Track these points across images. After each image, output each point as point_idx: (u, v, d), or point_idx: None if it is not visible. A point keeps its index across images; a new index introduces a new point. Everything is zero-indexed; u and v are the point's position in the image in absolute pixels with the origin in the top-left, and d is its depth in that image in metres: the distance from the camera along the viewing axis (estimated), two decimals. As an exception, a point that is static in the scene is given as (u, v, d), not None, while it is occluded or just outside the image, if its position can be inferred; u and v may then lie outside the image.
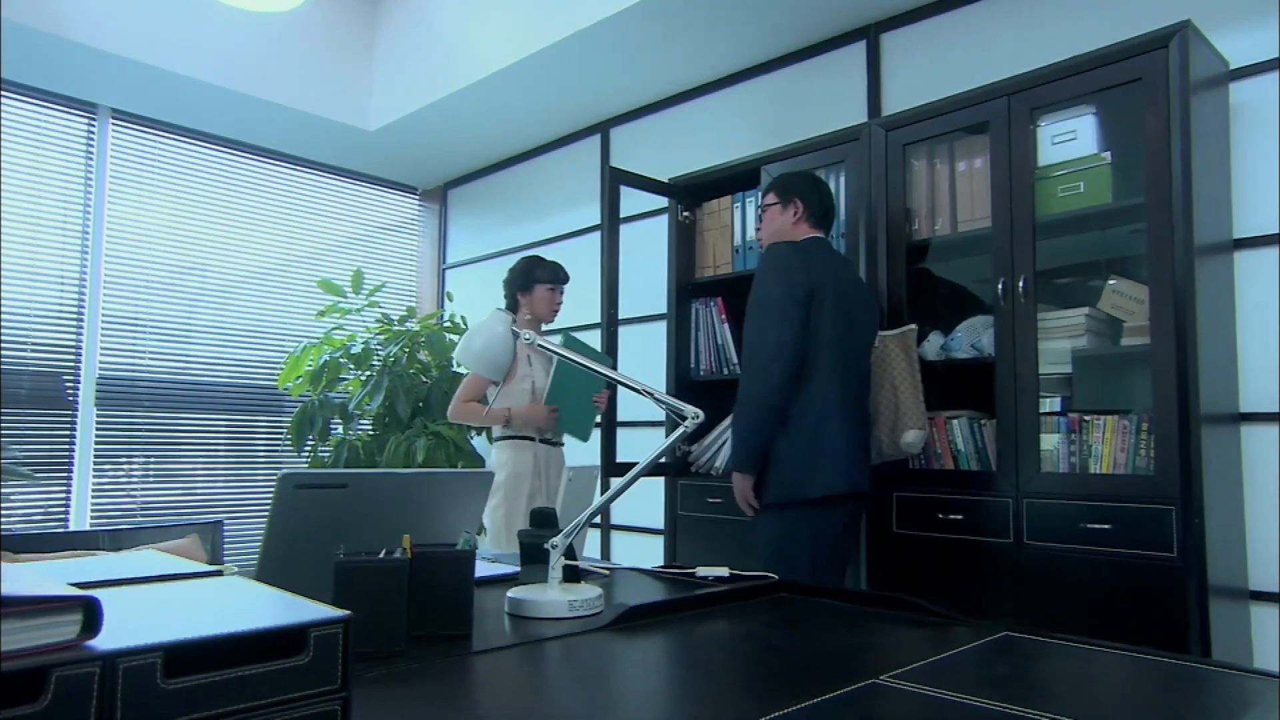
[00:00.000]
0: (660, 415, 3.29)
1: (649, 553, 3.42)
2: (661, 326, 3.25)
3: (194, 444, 4.07)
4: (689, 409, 1.28)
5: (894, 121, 2.55)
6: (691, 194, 3.13)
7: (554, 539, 1.28)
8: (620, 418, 3.02)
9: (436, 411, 3.72)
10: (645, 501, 3.21)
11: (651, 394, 1.33)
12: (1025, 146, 2.25)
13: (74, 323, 3.75)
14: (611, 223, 3.02)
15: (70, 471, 3.70)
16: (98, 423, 3.77)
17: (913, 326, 2.38)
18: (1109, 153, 2.17)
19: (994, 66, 2.59)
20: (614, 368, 3.00)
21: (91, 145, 3.84)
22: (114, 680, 0.55)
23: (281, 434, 4.22)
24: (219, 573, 0.88)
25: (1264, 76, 2.21)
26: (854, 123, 2.74)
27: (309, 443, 3.78)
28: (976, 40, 2.75)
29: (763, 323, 2.12)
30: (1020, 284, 2.21)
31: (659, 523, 3.12)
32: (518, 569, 1.49)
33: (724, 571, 1.49)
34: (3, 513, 3.47)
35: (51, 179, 3.73)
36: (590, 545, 3.80)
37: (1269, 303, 2.16)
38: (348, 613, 0.66)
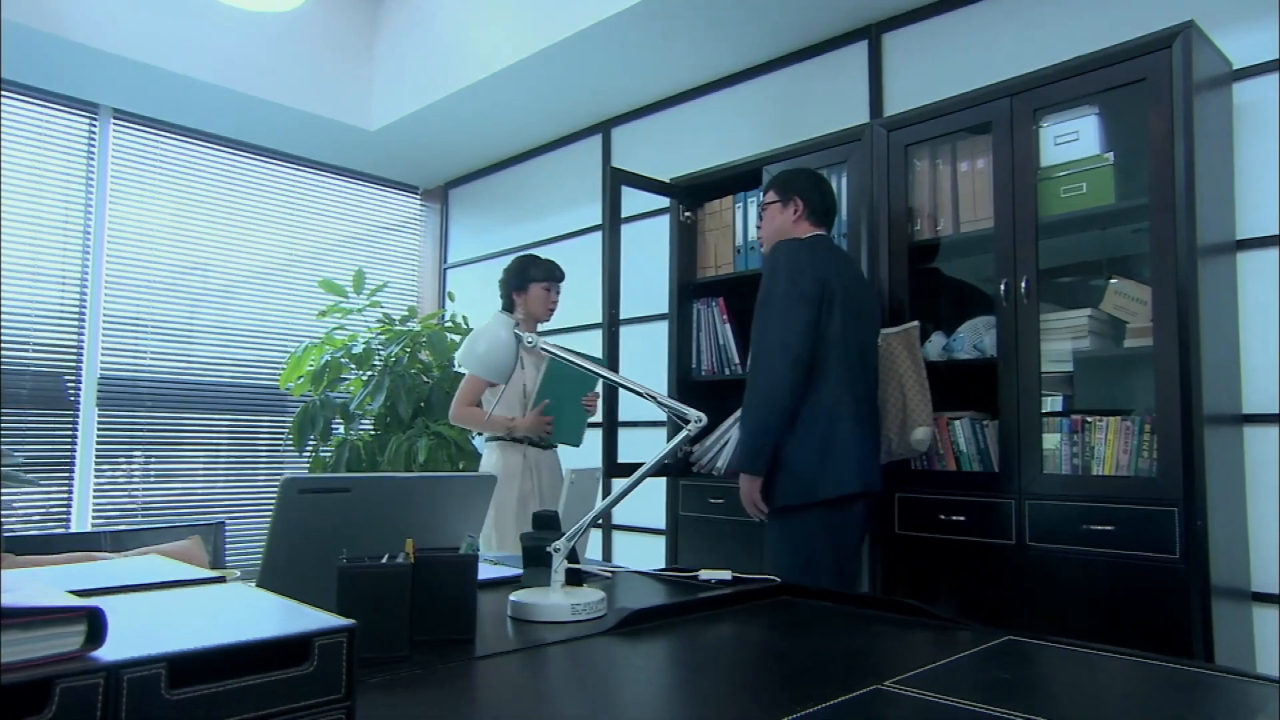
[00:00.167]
0: (662, 415, 3.29)
1: (650, 553, 3.42)
2: (663, 327, 3.25)
3: (195, 444, 4.07)
4: (692, 412, 1.28)
5: (896, 122, 2.55)
6: (693, 194, 3.12)
7: (556, 542, 1.28)
8: (622, 418, 3.02)
9: (438, 412, 3.72)
10: (647, 502, 3.21)
11: (655, 397, 1.33)
12: (1028, 147, 2.25)
13: (75, 323, 3.75)
14: (613, 223, 3.02)
15: (71, 472, 3.70)
16: (99, 423, 3.77)
17: (915, 324, 2.37)
18: (1112, 153, 2.17)
19: (996, 67, 2.59)
20: (616, 369, 3.00)
21: (93, 145, 3.84)
22: (119, 691, 0.55)
23: (283, 434, 4.22)
24: (222, 579, 0.88)
25: (1267, 77, 2.21)
26: (856, 123, 2.73)
27: (310, 443, 3.78)
28: (979, 40, 2.74)
29: (772, 321, 2.09)
30: (1023, 284, 2.21)
31: (660, 523, 3.12)
32: (519, 571, 1.49)
33: (726, 575, 1.49)
34: (5, 513, 3.47)
35: (53, 179, 3.73)
36: (592, 546, 3.80)
37: (1272, 303, 2.16)
38: (352, 621, 0.66)
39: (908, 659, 1.08)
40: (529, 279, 2.84)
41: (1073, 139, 2.22)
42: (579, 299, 3.81)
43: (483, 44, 3.54)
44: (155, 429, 3.95)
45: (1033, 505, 2.15)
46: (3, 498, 3.40)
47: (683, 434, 1.28)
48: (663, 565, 3.07)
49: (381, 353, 3.84)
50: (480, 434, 3.72)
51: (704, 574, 1.51)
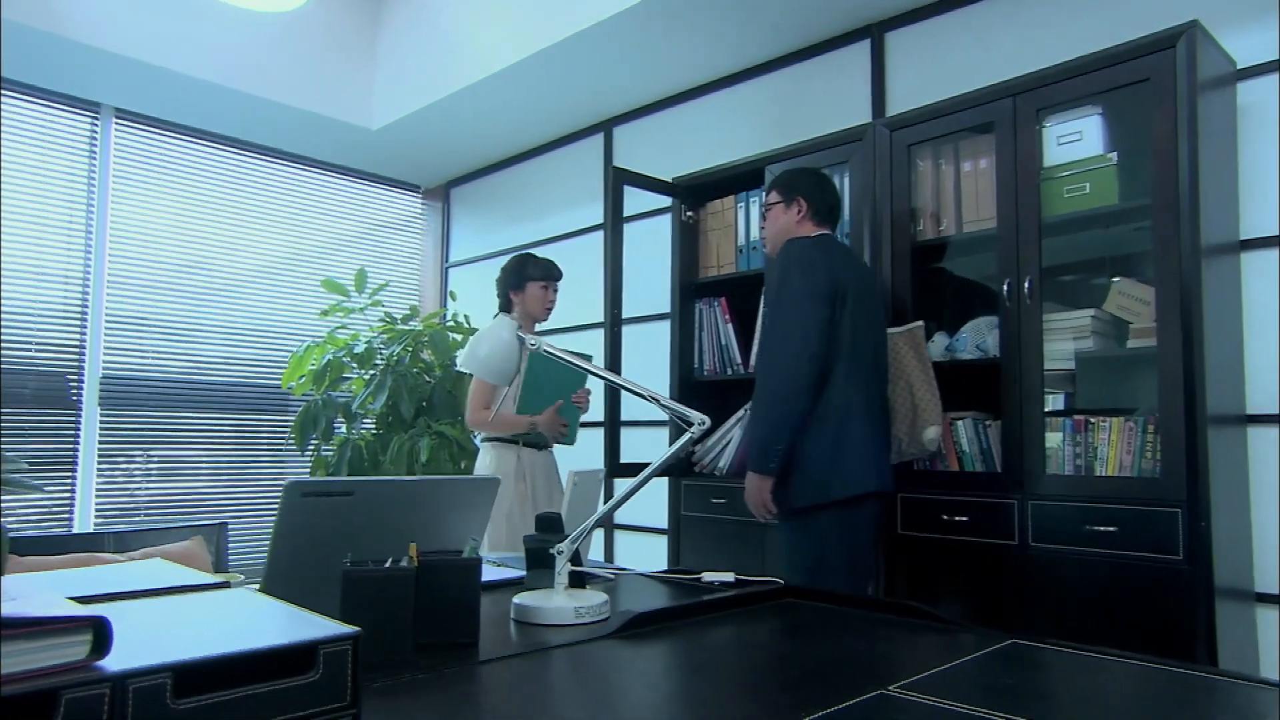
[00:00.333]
0: (665, 415, 3.29)
1: (652, 553, 3.42)
2: (664, 326, 3.24)
3: (197, 443, 4.08)
4: (695, 415, 1.28)
5: (898, 121, 2.54)
6: (695, 194, 3.12)
7: (560, 544, 1.28)
8: (624, 418, 3.02)
9: (440, 411, 3.72)
10: (649, 502, 3.21)
11: (657, 400, 1.32)
12: (1031, 147, 2.24)
13: (78, 322, 3.76)
14: (615, 223, 3.02)
15: (74, 471, 3.71)
16: (101, 422, 3.78)
17: (920, 324, 2.36)
18: (1115, 153, 2.16)
19: (999, 66, 2.58)
20: (618, 369, 2.99)
21: (95, 145, 3.84)
22: (124, 701, 0.55)
23: (285, 434, 4.23)
24: (226, 584, 0.88)
25: (1271, 76, 2.20)
26: (858, 122, 2.73)
27: (312, 443, 3.79)
28: (982, 40, 2.74)
29: (786, 319, 2.07)
30: (1026, 285, 2.21)
31: (663, 522, 3.12)
32: (521, 573, 1.49)
33: (729, 577, 1.49)
34: (8, 514, 3.47)
35: (55, 178, 3.73)
36: (594, 545, 3.80)
37: (1275, 303, 2.15)
38: (357, 629, 0.66)
39: (912, 663, 1.08)
40: (526, 278, 2.83)
41: (1076, 139, 2.22)
42: (581, 298, 3.81)
43: (484, 43, 3.54)
44: (157, 428, 3.95)
45: (1035, 506, 2.15)
46: (5, 502, 3.40)
47: (686, 437, 1.28)
48: (665, 565, 3.08)
49: (383, 352, 3.84)
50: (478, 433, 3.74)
51: (707, 576, 1.51)
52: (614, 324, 2.99)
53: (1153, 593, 1.94)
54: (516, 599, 1.26)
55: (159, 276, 3.98)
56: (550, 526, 1.43)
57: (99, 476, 3.77)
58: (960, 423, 2.35)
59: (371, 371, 3.82)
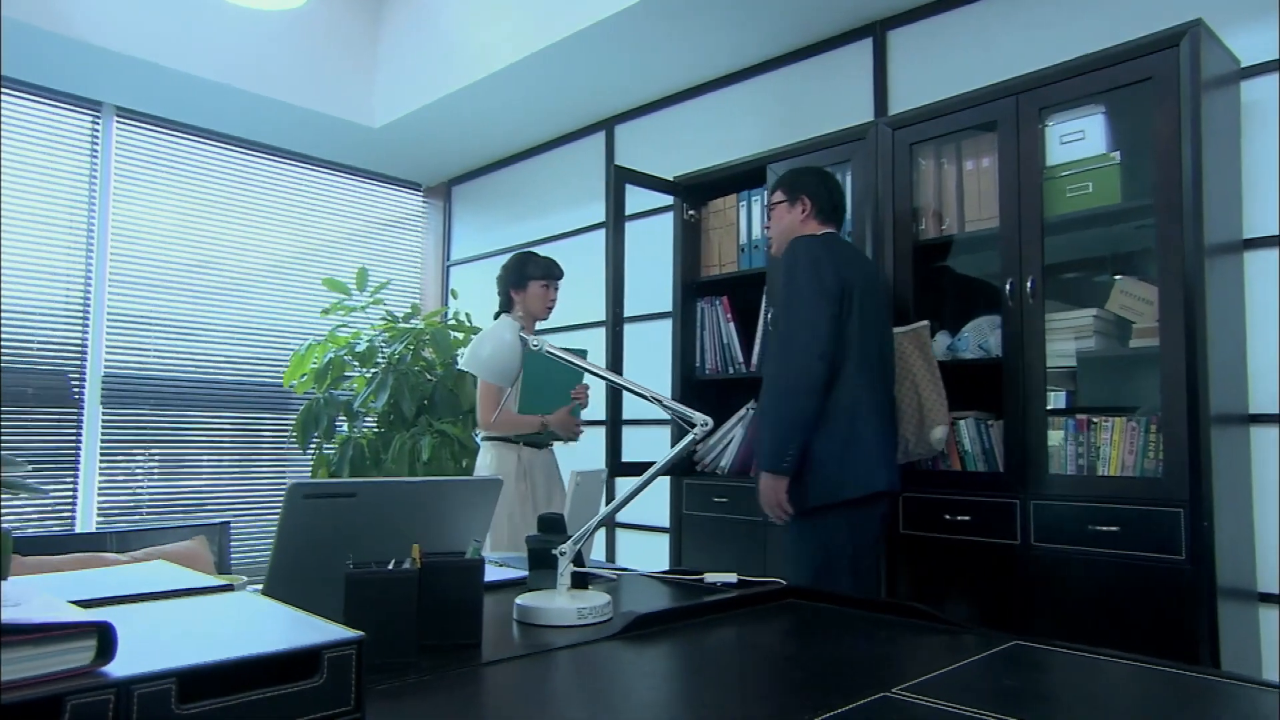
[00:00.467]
0: (666, 414, 3.29)
1: (654, 551, 3.42)
2: (666, 325, 3.24)
3: (199, 442, 4.08)
4: (698, 416, 1.28)
5: (901, 120, 2.54)
6: (696, 192, 3.12)
7: (562, 545, 1.28)
8: (626, 416, 3.02)
9: (441, 409, 3.72)
10: (651, 500, 3.21)
11: (660, 401, 1.32)
12: (1033, 146, 2.24)
13: (79, 321, 3.76)
14: (617, 222, 3.01)
15: (76, 470, 3.71)
16: (103, 421, 3.78)
17: (925, 323, 2.36)
18: (1118, 152, 2.16)
19: (1002, 65, 2.57)
20: (620, 368, 2.99)
21: (96, 143, 3.84)
22: (129, 707, 0.55)
23: (287, 432, 4.23)
24: (230, 587, 0.88)
25: (1275, 75, 2.19)
26: (860, 121, 2.72)
27: (314, 441, 3.79)
28: (984, 38, 2.73)
29: (794, 319, 2.06)
30: (1028, 284, 2.20)
31: (664, 521, 3.12)
32: (523, 573, 1.50)
33: (732, 578, 1.49)
34: (11, 512, 3.48)
35: (56, 177, 3.73)
36: (596, 544, 3.80)
37: (1278, 303, 2.15)
38: (360, 634, 0.66)
39: (915, 665, 1.08)
40: (527, 276, 2.82)
41: (1078, 138, 2.21)
42: (582, 297, 3.81)
43: (486, 41, 3.53)
44: (159, 427, 3.95)
45: (1038, 505, 2.15)
46: (8, 501, 3.40)
47: (689, 438, 1.28)
48: (667, 564, 3.08)
49: (385, 350, 3.84)
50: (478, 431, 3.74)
51: (710, 577, 1.51)
52: (615, 323, 2.99)
53: (1155, 593, 1.94)
54: (519, 600, 1.26)
55: (161, 275, 3.98)
56: (553, 527, 1.43)
57: (101, 475, 3.77)
58: (962, 422, 2.35)
59: (373, 370, 3.82)
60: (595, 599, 1.26)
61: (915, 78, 2.89)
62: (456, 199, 4.92)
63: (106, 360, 3.80)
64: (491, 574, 1.54)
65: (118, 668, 0.56)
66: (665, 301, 3.24)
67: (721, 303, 3.01)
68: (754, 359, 2.91)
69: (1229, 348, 2.10)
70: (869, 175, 2.58)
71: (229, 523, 2.08)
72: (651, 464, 1.28)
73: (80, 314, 3.76)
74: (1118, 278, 2.20)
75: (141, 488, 3.91)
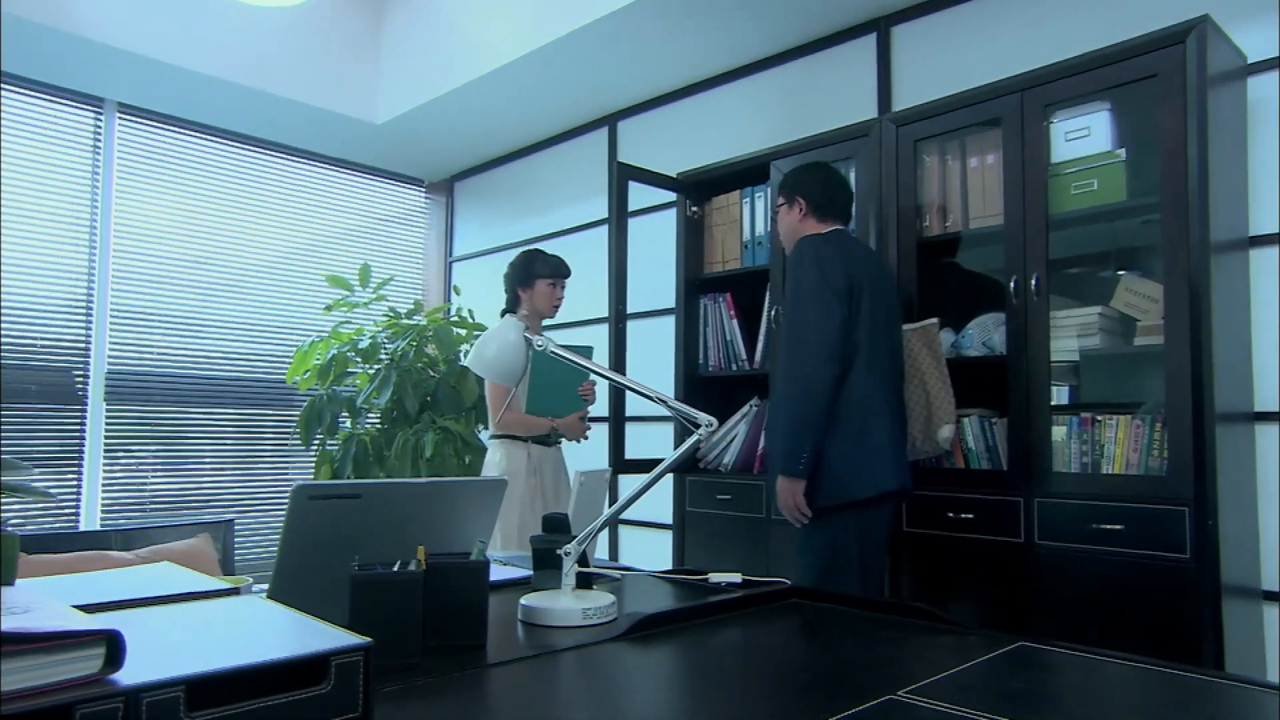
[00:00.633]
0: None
1: (657, 548, 3.42)
2: (669, 321, 3.24)
3: (203, 438, 4.09)
4: (703, 417, 1.27)
5: (905, 117, 2.53)
6: (700, 189, 3.11)
7: (567, 545, 1.28)
8: (629, 413, 3.02)
9: (444, 406, 3.72)
10: (654, 497, 3.20)
11: (665, 401, 1.32)
12: (1038, 143, 2.23)
13: (83, 318, 3.76)
14: (620, 219, 3.01)
15: (81, 466, 3.72)
16: (107, 417, 3.79)
17: (935, 321, 2.35)
18: (1124, 149, 2.15)
19: (1007, 61, 2.56)
20: (623, 365, 2.99)
21: (99, 140, 3.83)
22: (138, 715, 0.55)
23: (290, 429, 4.24)
24: (236, 591, 0.88)
25: (1281, 71, 2.18)
26: (864, 118, 2.71)
27: (317, 438, 3.79)
28: (989, 34, 2.72)
29: (802, 319, 2.05)
30: (1033, 281, 2.20)
31: (667, 517, 3.12)
32: (528, 572, 1.50)
33: (736, 577, 1.49)
34: (16, 509, 3.49)
35: (59, 173, 3.73)
36: (600, 541, 3.80)
37: (1284, 301, 2.14)
38: (368, 640, 0.66)
39: (920, 666, 1.08)
40: (534, 275, 2.81)
41: (1084, 135, 2.20)
42: (585, 293, 3.80)
43: (488, 37, 3.52)
44: (163, 423, 3.96)
45: (1042, 504, 2.14)
46: (13, 497, 3.41)
47: (693, 439, 1.28)
48: (669, 561, 3.08)
49: (388, 347, 3.84)
50: (488, 428, 3.74)
51: (714, 577, 1.51)
52: (619, 320, 2.99)
53: (1159, 591, 1.94)
54: (524, 600, 1.26)
55: (164, 272, 3.99)
56: (557, 527, 1.43)
57: (105, 471, 3.78)
58: (966, 420, 2.35)
59: (376, 366, 3.82)
60: (600, 599, 1.26)
61: (920, 74, 2.88)
62: (459, 195, 4.91)
63: (110, 357, 3.81)
64: (495, 573, 1.54)
65: (126, 675, 0.56)
66: (668, 298, 3.24)
67: (725, 299, 3.01)
68: (757, 356, 2.91)
69: (1234, 345, 2.10)
70: (873, 172, 2.57)
71: (233, 520, 2.09)
72: (655, 460, 1.28)
73: (84, 311, 3.76)
74: (1122, 274, 2.20)
75: (145, 484, 3.92)
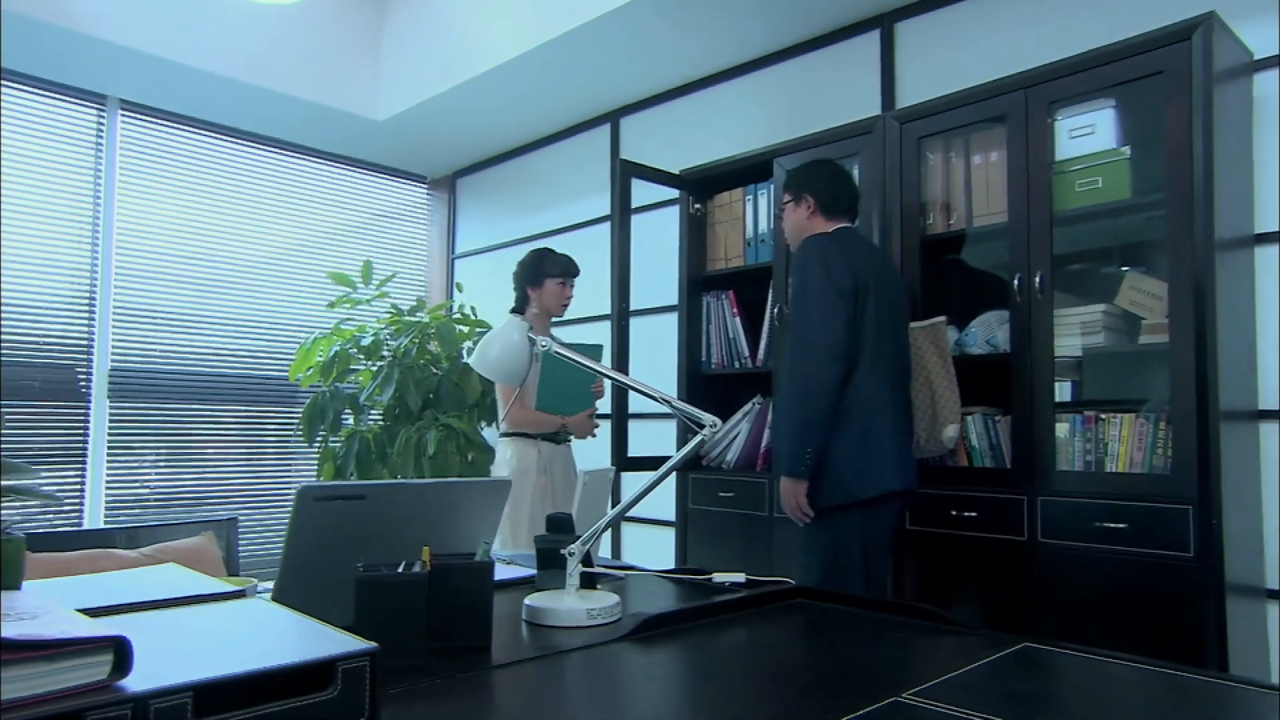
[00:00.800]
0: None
1: (660, 546, 3.43)
2: (671, 318, 3.24)
3: (206, 435, 4.09)
4: (706, 417, 1.27)
5: (909, 114, 2.52)
6: (702, 186, 3.10)
7: (571, 545, 1.28)
8: (632, 410, 3.02)
9: (447, 403, 3.72)
10: (657, 494, 3.20)
11: (668, 401, 1.32)
12: (1042, 140, 2.22)
13: (86, 315, 3.76)
14: (623, 216, 3.00)
15: (84, 463, 3.73)
16: (110, 415, 3.79)
17: (942, 319, 2.33)
18: (1128, 147, 2.14)
19: (1011, 58, 2.55)
20: (625, 363, 2.99)
21: (101, 137, 3.83)
22: (145, 722, 0.55)
23: (293, 425, 4.24)
24: (242, 593, 0.89)
25: (1287, 68, 2.17)
26: (868, 115, 2.71)
27: (320, 434, 3.80)
28: (993, 31, 2.71)
29: (807, 318, 2.04)
30: (1037, 279, 2.19)
31: (670, 515, 3.12)
32: (532, 572, 1.50)
33: (740, 577, 1.49)
34: (20, 507, 3.50)
35: (61, 171, 3.73)
36: (603, 539, 3.80)
37: (1289, 299, 2.14)
38: (374, 645, 0.66)
39: (925, 668, 1.08)
40: (544, 274, 2.82)
41: (1088, 132, 2.20)
42: (588, 290, 3.78)
43: (491, 34, 3.52)
44: (166, 420, 3.97)
45: (1045, 502, 2.14)
46: (12, 505, 3.41)
47: (696, 440, 1.28)
48: (672, 559, 3.09)
49: (390, 344, 3.85)
50: (492, 424, 3.75)
51: (718, 577, 1.51)
52: (621, 317, 2.99)
53: (1163, 590, 1.94)
54: (528, 600, 1.26)
55: (166, 268, 3.99)
56: (561, 527, 1.43)
57: (109, 468, 3.79)
58: (970, 418, 2.34)
59: (378, 363, 3.82)
60: (604, 599, 1.26)
61: (923, 71, 2.87)
62: (461, 192, 4.91)
63: (113, 354, 3.81)
64: (500, 572, 1.55)
65: (134, 681, 0.56)
66: (671, 295, 3.24)
67: (727, 297, 3.01)
68: (760, 354, 2.91)
69: (1238, 343, 2.09)
70: (876, 169, 2.56)
71: (237, 518, 2.09)
72: (658, 458, 1.28)
73: (86, 308, 3.77)
74: (1126, 272, 2.19)
75: (148, 481, 3.93)
